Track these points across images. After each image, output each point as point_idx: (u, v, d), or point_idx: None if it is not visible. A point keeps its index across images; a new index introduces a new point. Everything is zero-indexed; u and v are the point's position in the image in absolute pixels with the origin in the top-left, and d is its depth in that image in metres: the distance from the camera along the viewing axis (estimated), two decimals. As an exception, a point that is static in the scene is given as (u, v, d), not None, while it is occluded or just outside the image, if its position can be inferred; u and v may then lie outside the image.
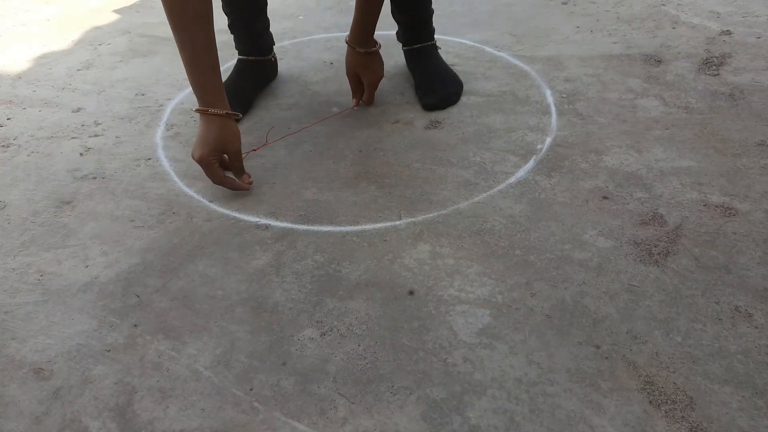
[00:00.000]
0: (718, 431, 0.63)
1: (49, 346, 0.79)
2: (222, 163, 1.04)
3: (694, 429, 0.64)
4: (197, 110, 1.00)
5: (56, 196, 1.07)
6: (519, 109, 1.23)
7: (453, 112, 1.24)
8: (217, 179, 1.02)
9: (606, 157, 1.06)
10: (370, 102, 1.28)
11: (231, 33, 1.34)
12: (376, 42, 1.23)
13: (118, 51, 1.64)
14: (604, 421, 0.65)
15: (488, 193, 1.00)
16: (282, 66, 1.47)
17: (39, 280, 0.90)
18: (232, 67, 1.37)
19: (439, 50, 1.36)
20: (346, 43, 1.22)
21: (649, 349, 0.72)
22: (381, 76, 1.27)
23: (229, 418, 0.69)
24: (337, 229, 0.96)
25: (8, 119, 1.34)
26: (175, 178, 1.10)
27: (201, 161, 1.00)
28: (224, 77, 1.34)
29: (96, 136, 1.25)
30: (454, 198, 1.00)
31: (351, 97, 1.28)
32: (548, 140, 1.13)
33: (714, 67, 1.31)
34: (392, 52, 1.50)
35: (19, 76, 1.54)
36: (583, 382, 0.69)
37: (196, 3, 0.92)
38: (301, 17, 1.79)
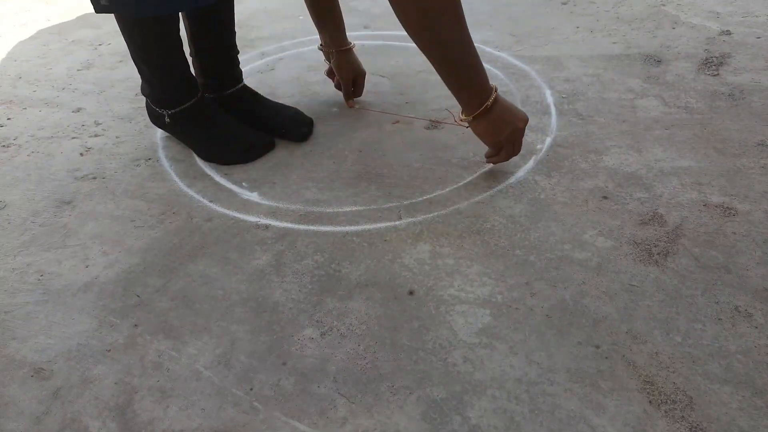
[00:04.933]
0: (717, 431, 0.63)
1: (49, 346, 0.79)
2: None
3: (693, 429, 0.64)
4: (494, 99, 0.93)
5: (56, 196, 1.07)
6: (519, 109, 1.23)
7: (453, 112, 1.24)
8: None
9: (606, 157, 1.06)
10: (361, 94, 1.30)
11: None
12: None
13: (118, 51, 1.64)
14: (604, 421, 0.65)
15: (488, 193, 1.00)
16: (282, 66, 1.47)
17: (39, 280, 0.90)
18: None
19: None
20: (334, 51, 1.21)
21: (649, 349, 0.72)
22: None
23: (229, 418, 0.69)
24: (337, 229, 0.96)
25: (8, 119, 1.34)
26: (175, 178, 1.10)
27: (525, 126, 0.98)
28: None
29: (96, 136, 1.25)
30: (454, 198, 1.00)
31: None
32: (548, 140, 1.13)
33: (714, 67, 1.31)
34: (392, 53, 1.50)
35: (19, 76, 1.54)
36: (583, 382, 0.69)
37: None
38: (301, 17, 1.79)
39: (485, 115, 0.95)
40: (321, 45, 1.24)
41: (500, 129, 0.96)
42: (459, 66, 0.91)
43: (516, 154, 1.01)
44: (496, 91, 0.94)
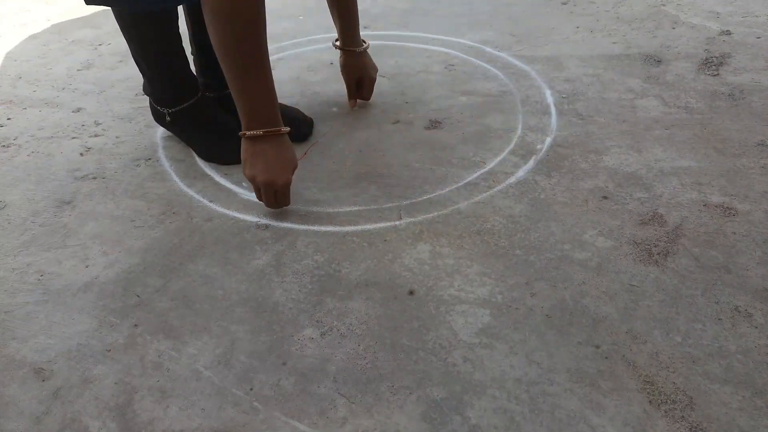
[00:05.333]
0: (718, 431, 0.63)
1: (49, 346, 0.79)
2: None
3: (694, 429, 0.64)
4: (269, 132, 0.91)
5: (56, 196, 1.07)
6: (519, 109, 1.23)
7: (453, 112, 1.24)
8: (288, 201, 0.99)
9: (606, 157, 1.06)
10: (370, 97, 1.29)
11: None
12: (365, 40, 1.24)
13: (118, 51, 1.64)
14: (604, 421, 0.65)
15: (488, 193, 1.00)
16: (282, 66, 1.47)
17: (39, 280, 0.90)
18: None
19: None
20: (340, 49, 1.22)
21: (649, 349, 0.72)
22: (377, 69, 1.28)
23: (229, 418, 0.69)
24: (337, 229, 0.96)
25: (8, 119, 1.34)
26: (175, 178, 1.10)
27: (288, 183, 0.95)
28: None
29: (96, 136, 1.25)
30: (454, 198, 1.00)
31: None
32: (548, 140, 1.13)
33: (714, 67, 1.32)
34: (393, 53, 1.50)
35: (19, 76, 1.54)
36: (583, 382, 0.69)
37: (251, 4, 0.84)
38: (301, 17, 1.79)
39: (243, 140, 0.93)
40: (335, 41, 1.25)
41: (248, 164, 0.93)
42: (237, 79, 0.88)
43: (260, 200, 0.97)
44: (275, 133, 0.91)
